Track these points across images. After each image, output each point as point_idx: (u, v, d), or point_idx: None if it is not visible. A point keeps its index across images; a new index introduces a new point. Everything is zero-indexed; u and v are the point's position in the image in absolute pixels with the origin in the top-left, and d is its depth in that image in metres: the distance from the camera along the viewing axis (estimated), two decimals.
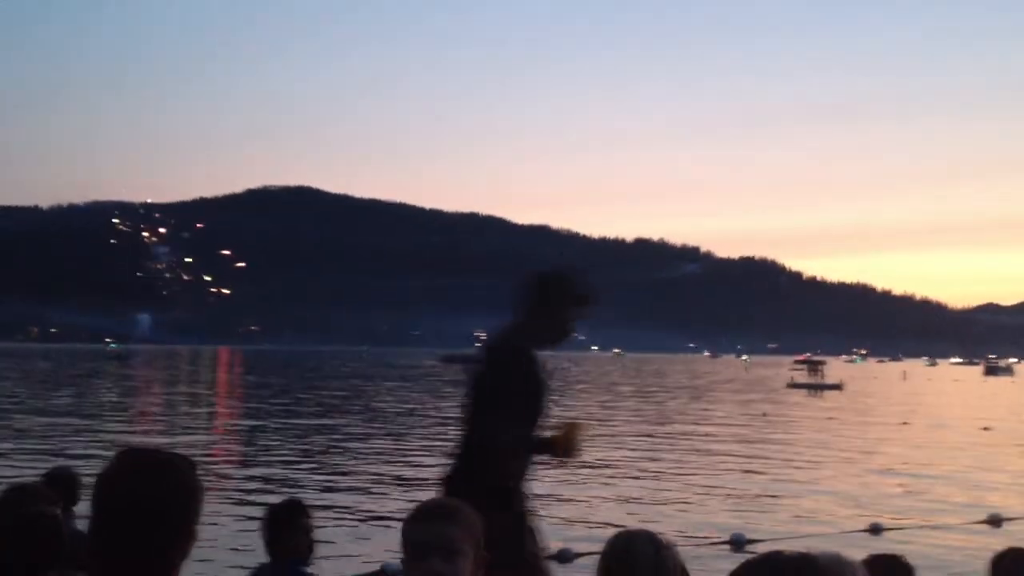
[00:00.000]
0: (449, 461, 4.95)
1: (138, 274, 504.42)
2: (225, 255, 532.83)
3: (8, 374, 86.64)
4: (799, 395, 73.78)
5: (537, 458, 5.12)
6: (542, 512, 18.12)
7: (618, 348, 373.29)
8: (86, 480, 6.85)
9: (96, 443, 29.48)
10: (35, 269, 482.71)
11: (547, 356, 5.06)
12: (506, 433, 4.69)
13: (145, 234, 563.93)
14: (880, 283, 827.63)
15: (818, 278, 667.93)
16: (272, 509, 5.03)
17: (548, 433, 5.09)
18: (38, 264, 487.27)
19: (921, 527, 17.95)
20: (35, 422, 37.26)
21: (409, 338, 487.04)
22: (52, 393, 58.36)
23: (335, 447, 30.29)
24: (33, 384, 69.40)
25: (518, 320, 5.12)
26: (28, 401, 50.26)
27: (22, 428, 34.62)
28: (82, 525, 5.23)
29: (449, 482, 4.79)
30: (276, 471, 24.41)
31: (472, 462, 4.77)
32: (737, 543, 15.75)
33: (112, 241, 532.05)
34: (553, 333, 5.08)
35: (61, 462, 16.01)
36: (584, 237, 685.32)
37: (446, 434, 34.82)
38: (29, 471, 21.08)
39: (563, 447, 5.03)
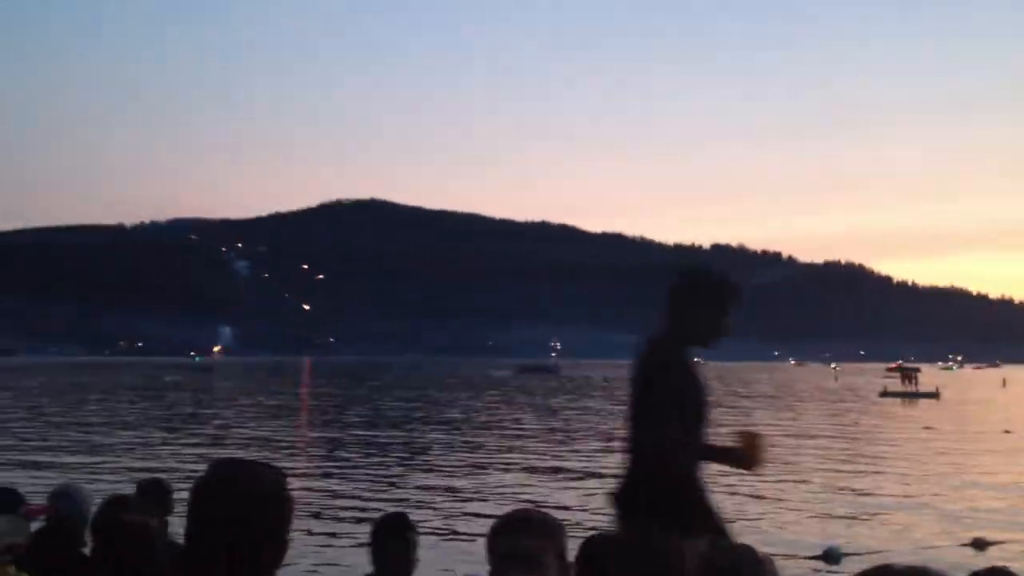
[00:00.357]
0: (618, 472, 4.70)
1: (218, 288, 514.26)
2: (301, 268, 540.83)
3: (96, 386, 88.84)
4: (893, 404, 71.94)
5: (717, 466, 4.90)
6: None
7: (697, 358, 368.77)
8: (178, 490, 6.80)
9: (184, 454, 29.91)
10: (122, 284, 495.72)
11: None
12: (673, 439, 4.45)
13: (224, 249, 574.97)
14: (975, 286, 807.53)
15: (908, 282, 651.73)
16: (380, 521, 4.94)
17: (727, 443, 4.89)
18: (124, 279, 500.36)
19: None
20: (124, 434, 38.01)
21: (484, 348, 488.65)
22: (139, 405, 59.59)
23: (411, 460, 30.27)
24: (121, 396, 71.01)
25: (672, 322, 4.88)
26: (116, 412, 51.37)
27: (112, 440, 35.32)
28: (174, 535, 5.18)
29: (621, 494, 4.57)
30: (356, 484, 24.43)
31: (643, 471, 4.53)
32: (831, 557, 15.28)
33: (192, 257, 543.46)
34: (709, 334, 4.94)
35: (153, 473, 16.16)
36: (659, 244, 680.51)
37: (521, 446, 34.62)
38: (121, 482, 21.40)
39: (747, 458, 4.80)
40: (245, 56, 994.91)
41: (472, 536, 16.28)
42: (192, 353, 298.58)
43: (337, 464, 28.40)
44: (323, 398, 72.12)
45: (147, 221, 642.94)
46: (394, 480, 24.79)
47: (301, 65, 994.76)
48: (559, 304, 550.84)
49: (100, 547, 4.26)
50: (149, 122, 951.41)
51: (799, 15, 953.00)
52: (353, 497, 21.60)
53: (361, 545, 15.00)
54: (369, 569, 4.79)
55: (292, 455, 30.57)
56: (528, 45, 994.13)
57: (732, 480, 24.73)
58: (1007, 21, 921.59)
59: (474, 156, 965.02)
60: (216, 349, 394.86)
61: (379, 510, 19.04)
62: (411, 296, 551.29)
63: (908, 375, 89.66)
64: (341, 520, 18.63)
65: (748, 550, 3.24)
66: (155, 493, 6.47)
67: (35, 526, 5.41)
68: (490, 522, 2.87)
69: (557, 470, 27.13)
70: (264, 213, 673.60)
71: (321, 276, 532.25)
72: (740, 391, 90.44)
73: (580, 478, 25.38)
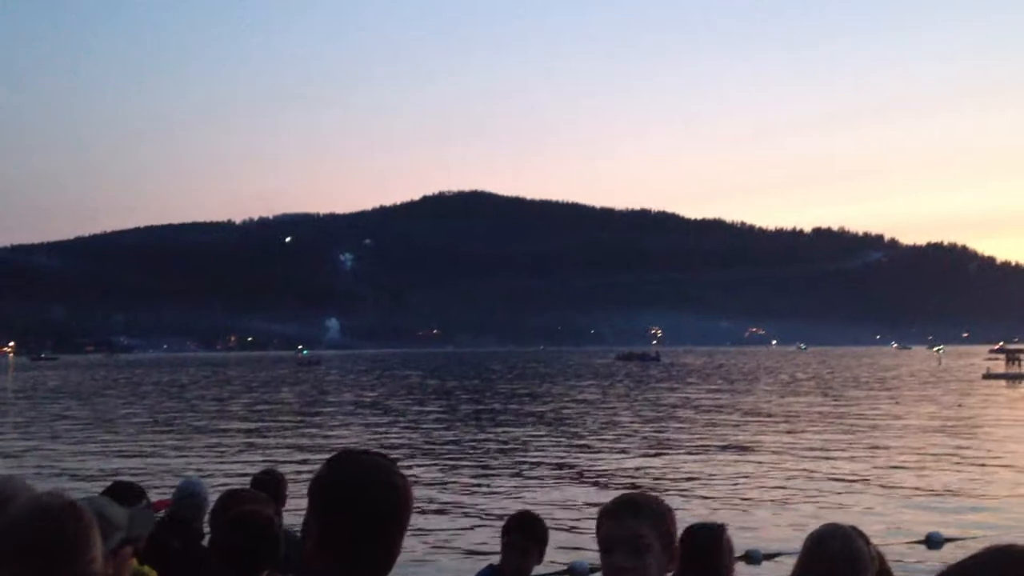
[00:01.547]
0: None
1: (324, 283, 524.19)
2: (405, 261, 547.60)
3: (209, 381, 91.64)
4: (997, 386, 70.06)
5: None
6: (729, 511, 17.92)
7: (801, 343, 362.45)
8: (292, 482, 7.25)
9: (299, 446, 30.94)
10: (231, 280, 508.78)
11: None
12: None
13: (330, 244, 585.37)
14: None
15: (1013, 262, 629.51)
16: (510, 519, 4.94)
17: None
18: (234, 276, 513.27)
19: None
20: (241, 426, 39.38)
21: (586, 336, 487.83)
22: (251, 397, 61.38)
23: (518, 447, 30.72)
24: (236, 389, 73.21)
25: None
26: (230, 406, 53.07)
27: (227, 432, 36.64)
28: (289, 526, 5.54)
29: None
30: (463, 476, 24.96)
31: None
32: (934, 541, 15.23)
33: (299, 252, 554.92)
34: None
35: (267, 464, 16.93)
36: (760, 229, 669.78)
37: (625, 431, 34.80)
38: (234, 473, 22.37)
39: None
40: (347, 54, 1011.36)
41: (580, 520, 16.67)
42: (300, 347, 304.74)
43: (446, 451, 29.05)
44: (426, 392, 73.04)
45: (255, 217, 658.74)
46: (504, 466, 25.28)
47: (402, 60, 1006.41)
48: (660, 291, 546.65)
49: (220, 540, 4.38)
50: (257, 122, 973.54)
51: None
52: (454, 485, 22.17)
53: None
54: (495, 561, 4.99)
55: (401, 446, 31.28)
56: (624, 35, 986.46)
57: (834, 465, 24.66)
58: None
59: (574, 146, 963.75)
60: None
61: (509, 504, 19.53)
62: (513, 286, 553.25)
63: (1013, 356, 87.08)
64: (456, 513, 19.19)
65: (853, 529, 3.31)
66: (269, 483, 6.47)
67: (157, 519, 5.40)
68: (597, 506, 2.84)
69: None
70: (368, 207, 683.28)
71: (422, 269, 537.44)
72: (848, 375, 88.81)
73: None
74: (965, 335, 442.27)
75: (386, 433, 36.04)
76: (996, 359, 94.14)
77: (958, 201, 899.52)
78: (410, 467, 24.43)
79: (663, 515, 2.55)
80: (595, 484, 22.14)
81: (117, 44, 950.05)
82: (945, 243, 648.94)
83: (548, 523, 4.97)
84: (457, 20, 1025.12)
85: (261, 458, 26.56)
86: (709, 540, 4.13)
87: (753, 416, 42.19)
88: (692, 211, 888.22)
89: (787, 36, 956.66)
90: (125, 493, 5.03)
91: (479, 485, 22.34)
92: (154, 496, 6.40)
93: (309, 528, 2.15)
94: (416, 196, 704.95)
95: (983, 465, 25.27)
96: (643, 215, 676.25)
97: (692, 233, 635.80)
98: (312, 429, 37.80)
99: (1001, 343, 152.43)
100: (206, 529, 5.73)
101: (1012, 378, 79.49)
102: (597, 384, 78.42)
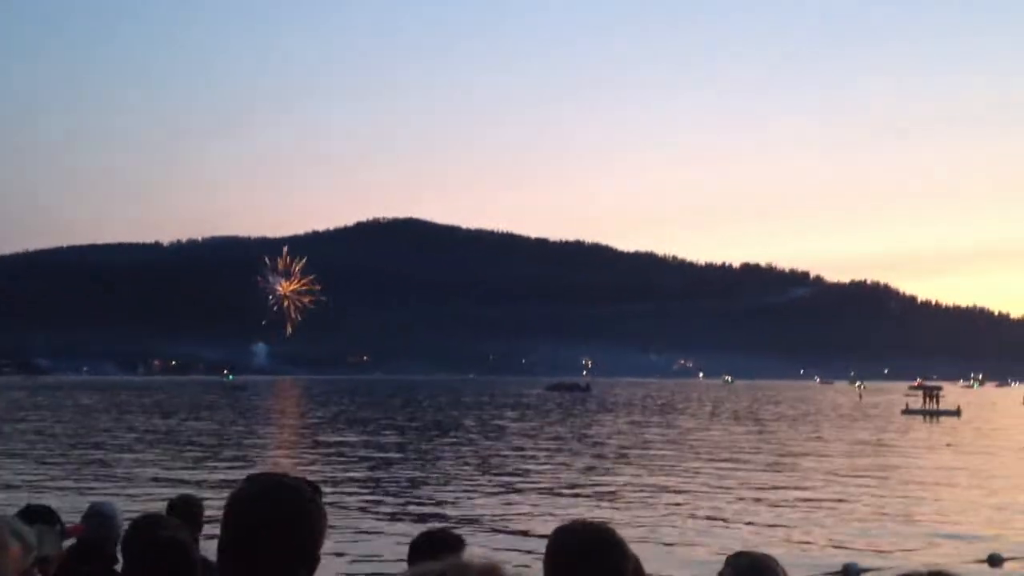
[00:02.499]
0: None
1: (253, 307, 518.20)
2: (337, 286, 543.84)
3: (130, 407, 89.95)
4: (915, 422, 71.80)
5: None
6: (646, 538, 18.05)
7: (727, 375, 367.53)
8: (209, 507, 7.21)
9: (217, 470, 30.50)
10: (156, 303, 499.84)
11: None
12: None
13: (260, 267, 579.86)
14: (997, 305, 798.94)
15: (932, 301, 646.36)
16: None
17: None
18: (159, 298, 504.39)
19: None
20: (156, 452, 38.69)
21: (518, 366, 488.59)
22: (170, 423, 60.42)
23: (431, 475, 30.66)
24: (153, 416, 71.92)
25: None
26: (151, 432, 52.16)
27: (144, 458, 35.98)
28: (205, 551, 5.54)
29: None
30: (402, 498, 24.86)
31: None
32: (850, 573, 15.53)
33: (228, 275, 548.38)
34: None
35: (183, 490, 16.68)
36: (690, 263, 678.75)
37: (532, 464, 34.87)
38: (150, 499, 21.98)
39: None
40: (282, 77, 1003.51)
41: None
42: (225, 372, 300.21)
43: (365, 477, 28.90)
44: (347, 418, 72.56)
45: (184, 239, 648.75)
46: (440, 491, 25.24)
47: (336, 86, 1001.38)
48: (592, 322, 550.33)
49: (134, 565, 4.34)
50: (188, 141, 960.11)
51: (819, 30, 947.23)
52: (388, 508, 22.06)
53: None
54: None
55: (315, 470, 31.06)
56: (561, 64, 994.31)
57: (756, 493, 25.03)
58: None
59: (510, 176, 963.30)
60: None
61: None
62: (445, 315, 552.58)
63: (931, 393, 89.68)
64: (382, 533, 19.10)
65: (769, 560, 3.26)
66: (185, 509, 6.44)
67: (68, 545, 5.33)
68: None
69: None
70: (301, 232, 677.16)
71: (354, 295, 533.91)
72: (772, 409, 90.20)
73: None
74: (885, 371, 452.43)
75: (299, 460, 35.72)
76: (915, 395, 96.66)
77: (880, 241, 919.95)
78: (331, 490, 24.23)
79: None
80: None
81: (43, 58, 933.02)
82: (868, 281, 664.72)
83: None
84: (393, 47, 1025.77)
85: (176, 484, 26.14)
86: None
87: (676, 445, 42.65)
88: (625, 244, 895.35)
89: (713, 73, 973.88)
90: (37, 517, 4.89)
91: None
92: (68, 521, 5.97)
93: (221, 549, 2.17)
94: (350, 222, 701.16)
95: (900, 497, 25.92)
96: (577, 246, 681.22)
97: (624, 265, 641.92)
98: (229, 452, 37.32)
99: (919, 380, 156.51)
100: (119, 554, 5.60)
101: (929, 414, 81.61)
102: (520, 415, 78.48)
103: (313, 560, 2.18)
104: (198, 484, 25.64)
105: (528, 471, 32.00)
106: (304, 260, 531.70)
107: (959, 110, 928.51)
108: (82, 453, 37.49)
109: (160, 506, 7.33)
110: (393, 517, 21.71)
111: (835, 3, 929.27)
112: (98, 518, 5.87)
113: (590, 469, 32.81)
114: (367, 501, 24.40)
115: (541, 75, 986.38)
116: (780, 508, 23.63)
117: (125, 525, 5.94)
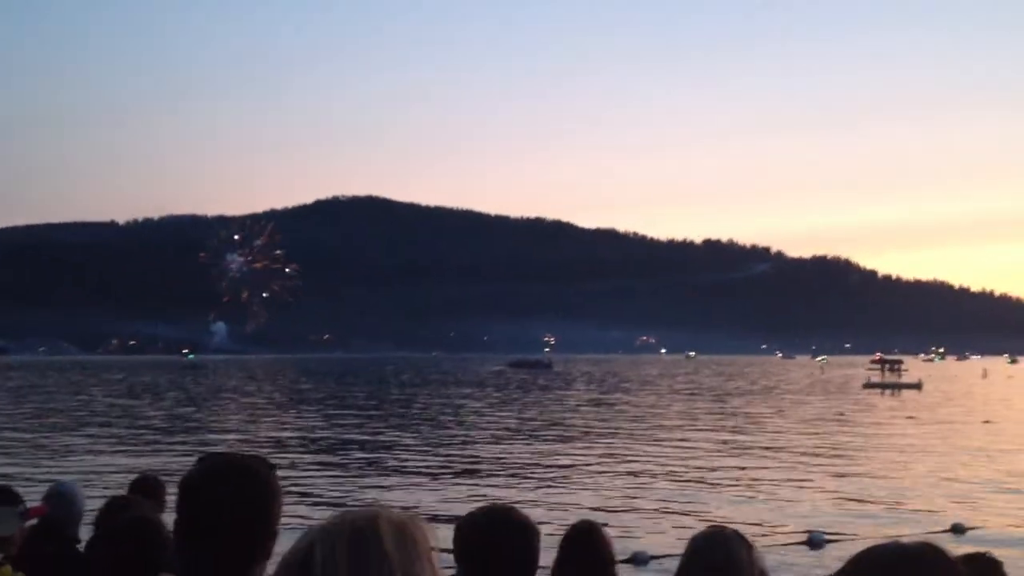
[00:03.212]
0: None
1: (212, 286, 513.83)
2: (297, 265, 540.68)
3: (89, 386, 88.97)
4: (876, 395, 72.68)
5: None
6: (609, 515, 18.09)
7: (689, 351, 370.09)
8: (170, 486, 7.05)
9: (175, 451, 30.19)
10: (113, 283, 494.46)
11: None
12: None
13: (219, 246, 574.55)
14: (957, 279, 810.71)
15: (893, 276, 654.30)
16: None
17: None
18: (116, 278, 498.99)
19: (1007, 526, 17.61)
20: (116, 431, 38.25)
21: (479, 343, 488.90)
22: (131, 403, 59.82)
23: (402, 455, 30.56)
24: (114, 395, 71.16)
25: None
26: (109, 412, 51.58)
27: (106, 437, 35.55)
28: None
29: None
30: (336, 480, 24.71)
31: None
32: (815, 542, 15.65)
33: (187, 253, 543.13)
34: None
35: (144, 469, 16.41)
36: (652, 240, 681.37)
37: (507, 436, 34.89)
38: (114, 478, 21.68)
39: None
40: (240, 53, 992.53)
41: None
42: (185, 351, 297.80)
43: (326, 456, 28.75)
44: (304, 398, 72.26)
45: (140, 218, 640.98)
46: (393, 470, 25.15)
47: (297, 62, 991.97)
48: (554, 299, 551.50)
49: (103, 545, 4.29)
50: (143, 118, 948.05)
51: (784, 12, 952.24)
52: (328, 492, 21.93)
53: None
54: None
55: (277, 451, 30.86)
56: (523, 42, 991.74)
57: (714, 468, 25.17)
58: (994, 14, 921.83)
59: (471, 153, 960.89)
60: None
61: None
62: (406, 293, 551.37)
63: (892, 367, 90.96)
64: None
65: (736, 535, 3.28)
66: (148, 488, 6.38)
67: (30, 525, 5.30)
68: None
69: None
70: (260, 210, 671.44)
71: (314, 274, 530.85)
72: (733, 384, 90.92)
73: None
74: (847, 346, 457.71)
75: (260, 438, 35.47)
76: (876, 369, 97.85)
77: (841, 216, 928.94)
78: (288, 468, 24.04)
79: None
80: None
81: None
82: (828, 256, 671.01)
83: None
84: (355, 23, 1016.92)
85: (135, 462, 25.84)
86: (587, 536, 4.14)
87: (641, 420, 42.85)
88: (586, 220, 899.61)
89: (683, 49, 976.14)
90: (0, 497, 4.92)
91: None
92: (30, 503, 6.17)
93: (176, 529, 2.22)
94: (309, 200, 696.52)
95: (861, 467, 26.19)
96: (538, 224, 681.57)
97: (586, 242, 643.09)
98: (186, 435, 36.97)
99: (879, 354, 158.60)
100: (79, 535, 5.58)
101: (890, 387, 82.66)
102: (479, 393, 78.55)
103: (271, 537, 2.21)
104: (155, 466, 25.35)
105: (484, 453, 31.97)
106: (264, 239, 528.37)
107: (917, 88, 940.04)
108: (37, 435, 36.96)
109: (113, 487, 7.18)
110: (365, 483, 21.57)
111: None
112: (59, 498, 5.77)
113: (546, 449, 32.84)
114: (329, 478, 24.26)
115: (502, 53, 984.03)
116: (739, 481, 23.76)
117: (86, 505, 5.85)
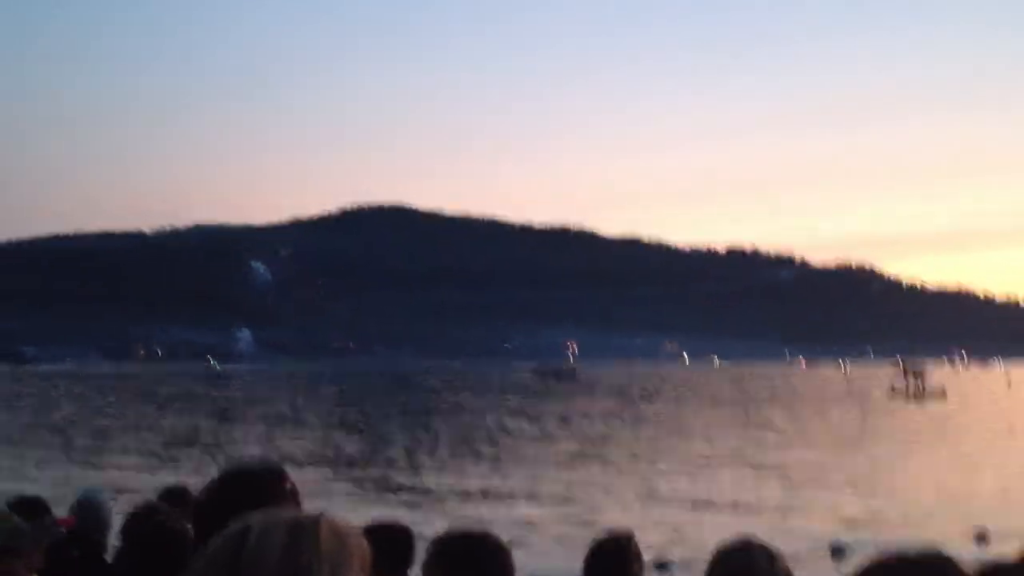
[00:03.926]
0: None
1: (238, 294, 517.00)
2: (321, 273, 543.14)
3: (113, 394, 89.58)
4: (901, 402, 72.20)
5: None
6: (615, 517, 18.10)
7: (714, 357, 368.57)
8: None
9: (200, 460, 30.41)
10: (139, 291, 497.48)
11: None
12: None
13: (245, 255, 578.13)
14: (982, 284, 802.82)
15: (917, 282, 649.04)
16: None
17: None
18: (143, 286, 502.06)
19: None
20: (138, 440, 38.53)
21: (502, 351, 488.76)
22: (155, 413, 60.22)
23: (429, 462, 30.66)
24: (139, 404, 71.66)
25: None
26: (133, 420, 51.96)
27: (128, 446, 35.82)
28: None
29: None
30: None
31: None
32: (837, 552, 15.62)
33: (213, 262, 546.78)
34: None
35: (171, 479, 16.58)
36: (675, 248, 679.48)
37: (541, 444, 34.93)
38: (136, 487, 21.88)
39: None
40: (264, 60, 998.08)
41: None
42: (210, 360, 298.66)
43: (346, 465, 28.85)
44: (340, 410, 72.41)
45: (167, 227, 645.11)
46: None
47: (321, 70, 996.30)
48: (577, 307, 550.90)
49: (132, 555, 4.40)
50: (170, 127, 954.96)
51: (801, 6, 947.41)
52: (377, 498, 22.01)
53: None
54: None
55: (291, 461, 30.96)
56: (545, 42, 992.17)
57: (745, 472, 25.11)
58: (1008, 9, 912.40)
59: (495, 161, 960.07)
60: None
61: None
62: (430, 301, 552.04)
63: (916, 374, 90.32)
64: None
65: (761, 547, 3.28)
66: (176, 499, 6.24)
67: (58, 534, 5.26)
68: None
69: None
70: (285, 219, 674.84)
71: (338, 281, 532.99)
72: (751, 391, 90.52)
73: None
74: (871, 352, 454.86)
75: (282, 450, 35.64)
76: (899, 375, 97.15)
77: (866, 222, 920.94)
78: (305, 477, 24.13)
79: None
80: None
81: (15, 37, 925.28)
82: (853, 263, 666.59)
83: None
84: (378, 28, 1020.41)
85: (166, 474, 26.03)
86: (616, 549, 4.16)
87: (674, 427, 42.80)
88: (610, 227, 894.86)
89: (699, 55, 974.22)
90: (27, 508, 4.96)
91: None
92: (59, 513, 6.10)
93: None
94: (334, 208, 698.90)
95: (886, 476, 26.07)
96: (561, 232, 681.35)
97: (609, 250, 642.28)
98: (213, 443, 37.17)
99: (904, 361, 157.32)
100: (115, 543, 5.63)
101: (914, 395, 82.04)
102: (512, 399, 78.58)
103: None
104: (180, 473, 25.54)
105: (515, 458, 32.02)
106: (289, 247, 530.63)
107: (941, 88, 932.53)
108: (65, 440, 37.28)
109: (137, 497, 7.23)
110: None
111: None
112: (85, 508, 5.86)
113: (574, 457, 32.88)
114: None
115: (525, 61, 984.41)
116: (763, 489, 23.70)
117: (113, 513, 5.93)
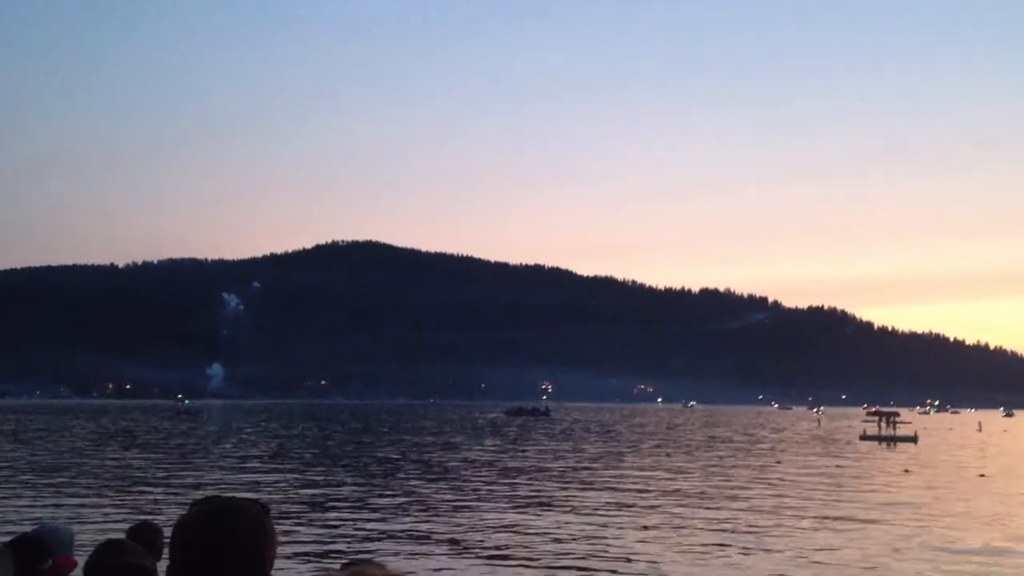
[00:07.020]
0: None
1: (210, 329, 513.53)
2: (295, 309, 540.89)
3: (79, 431, 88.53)
4: (873, 447, 72.50)
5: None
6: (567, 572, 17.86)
7: (688, 400, 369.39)
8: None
9: (168, 496, 30.00)
10: (110, 325, 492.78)
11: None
12: None
13: (217, 289, 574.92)
14: (952, 332, 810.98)
15: (889, 328, 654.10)
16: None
17: None
18: (113, 320, 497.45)
19: None
20: (106, 477, 38.01)
21: (476, 391, 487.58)
22: (123, 450, 59.51)
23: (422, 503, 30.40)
24: (105, 440, 70.82)
25: None
26: (100, 458, 51.30)
27: (98, 482, 35.32)
28: None
29: None
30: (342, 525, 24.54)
31: None
32: None
33: (185, 298, 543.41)
34: None
35: (140, 516, 16.33)
36: (649, 288, 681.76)
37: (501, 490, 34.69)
38: (107, 525, 21.53)
39: None
40: (240, 98, 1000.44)
41: None
42: (179, 396, 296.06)
43: (318, 503, 28.55)
44: (299, 446, 71.77)
45: (139, 261, 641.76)
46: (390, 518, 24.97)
47: (296, 107, 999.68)
48: (552, 347, 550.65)
49: None
50: (142, 162, 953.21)
51: (781, 59, 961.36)
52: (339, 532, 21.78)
53: None
54: None
55: (269, 494, 30.66)
56: (523, 91, 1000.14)
57: (715, 515, 25.00)
58: (977, 70, 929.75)
59: (470, 200, 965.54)
60: None
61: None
62: (405, 338, 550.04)
63: (888, 419, 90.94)
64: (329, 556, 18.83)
65: None
66: (144, 536, 6.21)
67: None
68: None
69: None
70: (259, 254, 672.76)
71: (312, 318, 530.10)
72: (732, 437, 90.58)
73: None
74: (843, 397, 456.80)
75: (254, 485, 35.27)
76: (872, 421, 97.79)
77: (839, 268, 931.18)
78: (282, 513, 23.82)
79: None
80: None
81: None
82: (825, 307, 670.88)
83: None
84: (354, 65, 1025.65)
85: (128, 512, 25.65)
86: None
87: (646, 472, 42.66)
88: (585, 268, 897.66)
89: (683, 100, 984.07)
90: (26, 549, 4.94)
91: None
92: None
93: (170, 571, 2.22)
94: (308, 244, 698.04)
95: (859, 523, 26.02)
96: (537, 270, 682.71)
97: (584, 290, 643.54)
98: (181, 478, 36.75)
99: (876, 406, 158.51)
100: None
101: (887, 440, 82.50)
102: (472, 441, 78.16)
103: None
104: (148, 512, 25.19)
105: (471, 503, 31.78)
106: (262, 283, 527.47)
107: (914, 143, 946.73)
108: (30, 479, 36.75)
109: (118, 532, 7.15)
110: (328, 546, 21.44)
111: (792, 39, 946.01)
112: (46, 542, 5.55)
113: (543, 498, 32.67)
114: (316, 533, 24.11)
115: (503, 101, 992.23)
116: (736, 534, 23.61)
117: (73, 544, 5.82)
